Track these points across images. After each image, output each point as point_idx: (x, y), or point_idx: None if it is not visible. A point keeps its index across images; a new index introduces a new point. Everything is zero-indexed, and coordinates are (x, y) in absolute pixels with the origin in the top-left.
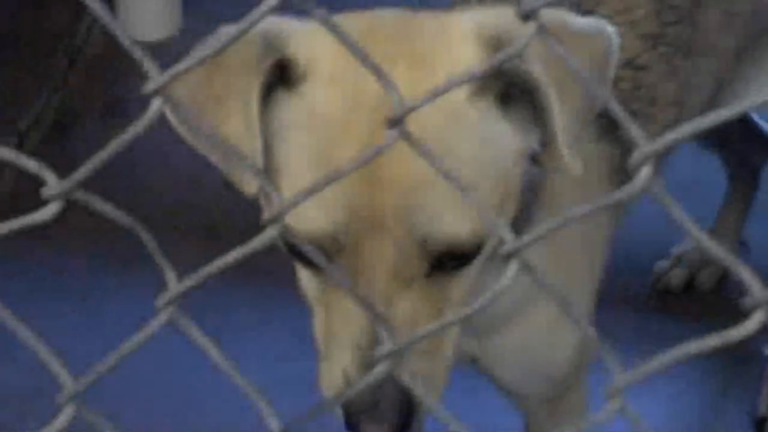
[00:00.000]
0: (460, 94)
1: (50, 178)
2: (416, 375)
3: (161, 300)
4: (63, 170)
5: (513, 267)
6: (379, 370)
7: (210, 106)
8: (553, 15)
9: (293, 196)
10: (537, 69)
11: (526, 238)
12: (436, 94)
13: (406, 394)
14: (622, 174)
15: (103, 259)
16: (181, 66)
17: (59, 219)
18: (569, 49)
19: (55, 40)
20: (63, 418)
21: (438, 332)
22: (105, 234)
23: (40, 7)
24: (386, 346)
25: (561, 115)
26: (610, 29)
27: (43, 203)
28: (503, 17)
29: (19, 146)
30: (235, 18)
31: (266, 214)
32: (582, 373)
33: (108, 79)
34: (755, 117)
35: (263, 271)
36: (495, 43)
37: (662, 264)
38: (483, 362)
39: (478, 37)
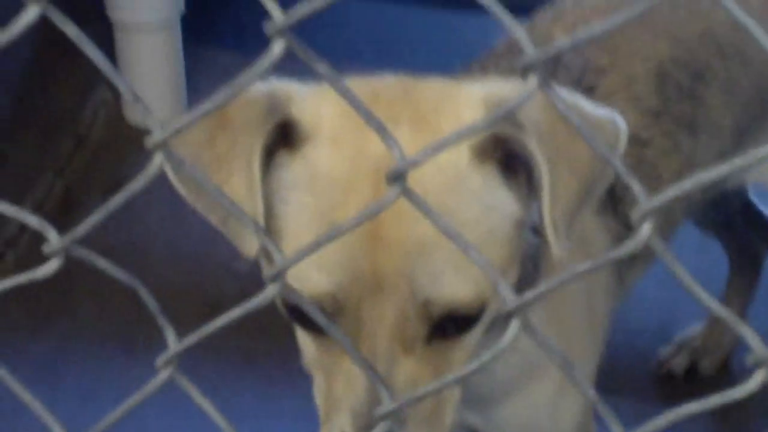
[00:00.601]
0: (463, 158)
1: (51, 234)
2: None
3: (161, 359)
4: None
5: (514, 326)
6: (380, 428)
7: (212, 165)
8: (565, 94)
9: (294, 253)
10: (532, 141)
11: (527, 296)
12: (438, 148)
13: None
14: (626, 267)
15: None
16: (183, 119)
17: (61, 304)
18: (576, 130)
19: (60, 123)
20: None
21: (438, 398)
22: (108, 321)
23: (46, 91)
24: (386, 407)
25: (550, 191)
26: (620, 119)
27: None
28: (512, 86)
29: (22, 229)
30: None
31: (266, 272)
32: None
33: (111, 162)
34: (759, 204)
35: (266, 354)
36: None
37: (665, 350)
38: None
39: (484, 102)
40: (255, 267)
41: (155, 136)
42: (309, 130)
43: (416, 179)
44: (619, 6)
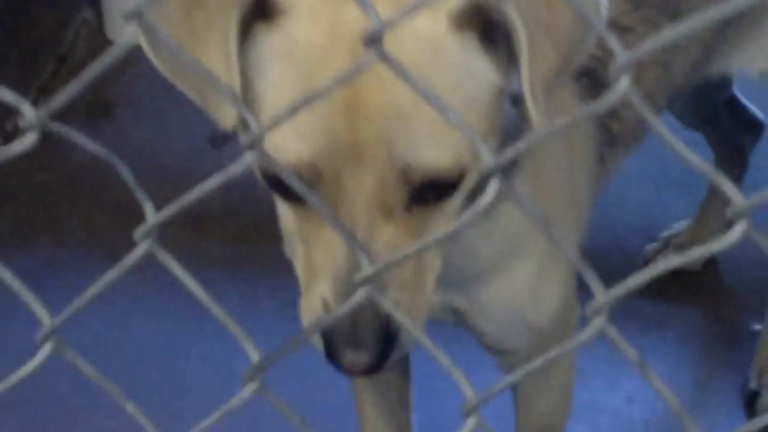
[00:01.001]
0: (441, 27)
1: (26, 108)
2: (397, 303)
3: (140, 232)
4: (50, 169)
5: (494, 186)
6: (359, 295)
7: (189, 39)
8: None
9: (270, 118)
10: (510, 7)
11: (505, 153)
12: (415, 8)
13: (386, 323)
14: (606, 137)
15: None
16: None
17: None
18: (554, 1)
19: (42, 43)
20: (39, 358)
21: (418, 266)
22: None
23: (27, 11)
24: (365, 271)
25: (528, 58)
26: None
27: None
28: None
29: (7, 141)
30: None
31: (243, 140)
32: (567, 331)
33: (93, 82)
34: (743, 99)
35: (249, 260)
36: None
37: (651, 247)
38: (467, 316)
39: None
40: (240, 177)
41: (131, 5)
42: (286, 2)
43: (394, 48)
44: None
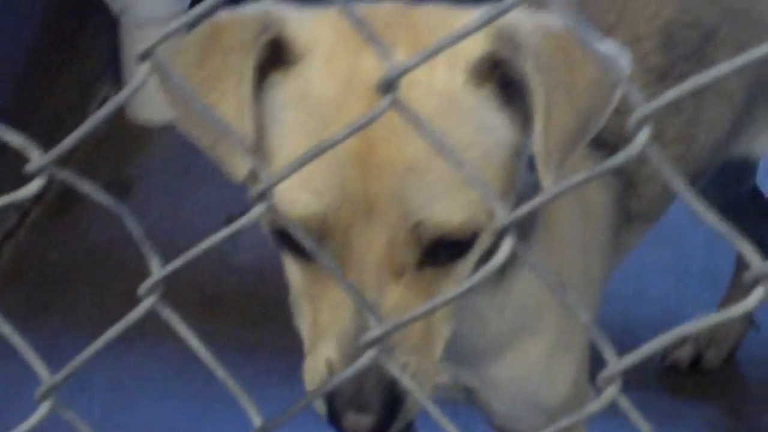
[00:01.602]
0: (457, 80)
1: (33, 153)
2: (404, 366)
3: (144, 287)
4: (66, 248)
5: (507, 244)
6: (366, 358)
7: (203, 85)
8: (570, 24)
9: (282, 168)
10: (529, 64)
11: (520, 210)
12: (431, 54)
13: (392, 387)
14: (624, 214)
15: None
16: (169, 29)
17: None
18: (576, 61)
19: (62, 117)
20: (38, 415)
21: (428, 329)
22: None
23: (49, 83)
24: (373, 332)
25: (544, 117)
26: (624, 56)
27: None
28: (517, 12)
29: (23, 218)
30: None
31: (252, 191)
32: (578, 409)
33: (113, 158)
34: (766, 191)
35: (264, 344)
36: (503, 34)
37: None
38: (478, 394)
39: (489, 31)
40: (254, 260)
41: (143, 45)
42: (303, 49)
43: (409, 99)
44: None
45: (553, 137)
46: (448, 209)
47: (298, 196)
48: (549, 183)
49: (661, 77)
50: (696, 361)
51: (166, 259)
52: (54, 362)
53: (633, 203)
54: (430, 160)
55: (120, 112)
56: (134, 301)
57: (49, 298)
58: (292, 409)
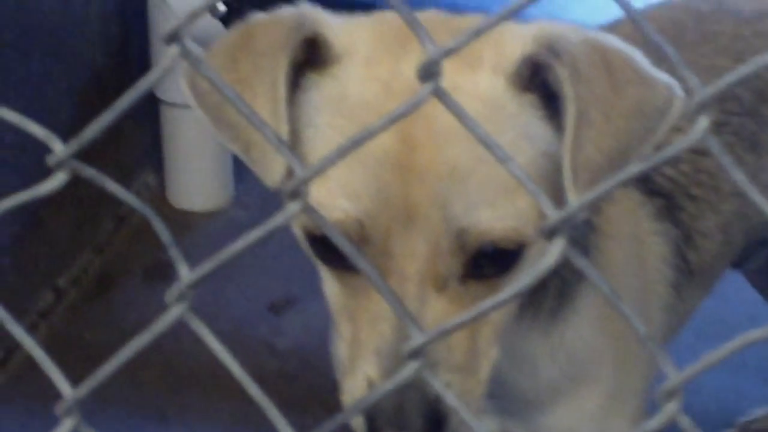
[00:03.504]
0: (499, 86)
1: (56, 145)
2: (448, 384)
3: (172, 293)
4: (102, 329)
5: (558, 244)
6: (408, 370)
7: (236, 88)
8: (626, 47)
9: (318, 161)
10: (565, 72)
11: (569, 208)
12: (471, 36)
13: (435, 406)
14: (684, 267)
15: None
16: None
17: None
18: (621, 80)
19: (102, 202)
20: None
21: (474, 350)
22: None
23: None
24: (415, 341)
25: (574, 129)
26: (677, 88)
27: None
28: (570, 28)
29: (57, 301)
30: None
31: (288, 186)
32: None
33: (152, 244)
34: None
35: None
36: (545, 38)
37: None
38: None
39: (533, 37)
40: (296, 345)
41: (171, 25)
42: (342, 51)
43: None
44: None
45: (584, 154)
46: (491, 215)
47: (335, 201)
48: (572, 197)
49: (716, 130)
50: None
51: (208, 344)
52: None
53: (691, 256)
54: (474, 164)
55: (162, 198)
56: (168, 379)
57: (84, 376)
58: (327, 425)
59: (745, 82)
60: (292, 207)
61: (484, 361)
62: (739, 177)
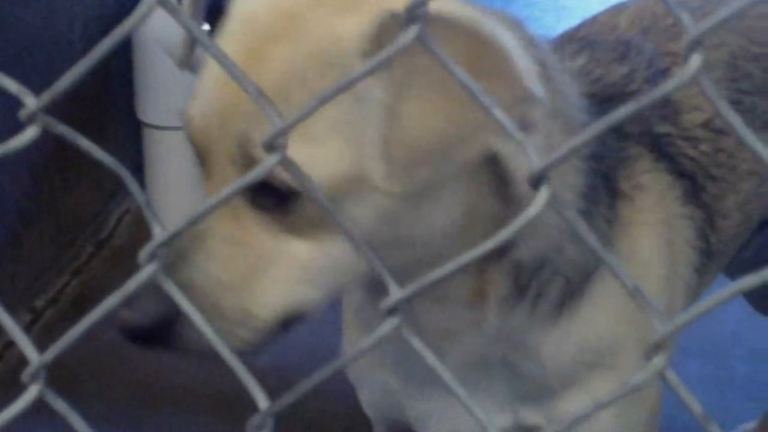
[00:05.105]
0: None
1: (28, 99)
2: (187, 288)
3: (144, 252)
4: (77, 349)
5: (543, 194)
6: (147, 269)
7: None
8: (514, 47)
9: (294, 114)
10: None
11: (555, 155)
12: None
13: (172, 303)
14: (703, 241)
15: None
16: None
17: None
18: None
19: (82, 224)
20: (27, 397)
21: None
22: None
23: (71, 188)
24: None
25: (387, 109)
26: (541, 100)
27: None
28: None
29: (34, 321)
30: None
31: (266, 139)
32: None
33: (130, 268)
34: None
35: None
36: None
37: None
38: None
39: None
40: (275, 361)
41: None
42: None
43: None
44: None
45: (402, 126)
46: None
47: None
48: (388, 187)
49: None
50: None
51: (180, 362)
52: None
53: (712, 237)
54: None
55: (142, 222)
56: (142, 395)
57: (59, 394)
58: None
59: (755, 59)
60: (270, 159)
61: (263, 297)
62: (737, 121)
